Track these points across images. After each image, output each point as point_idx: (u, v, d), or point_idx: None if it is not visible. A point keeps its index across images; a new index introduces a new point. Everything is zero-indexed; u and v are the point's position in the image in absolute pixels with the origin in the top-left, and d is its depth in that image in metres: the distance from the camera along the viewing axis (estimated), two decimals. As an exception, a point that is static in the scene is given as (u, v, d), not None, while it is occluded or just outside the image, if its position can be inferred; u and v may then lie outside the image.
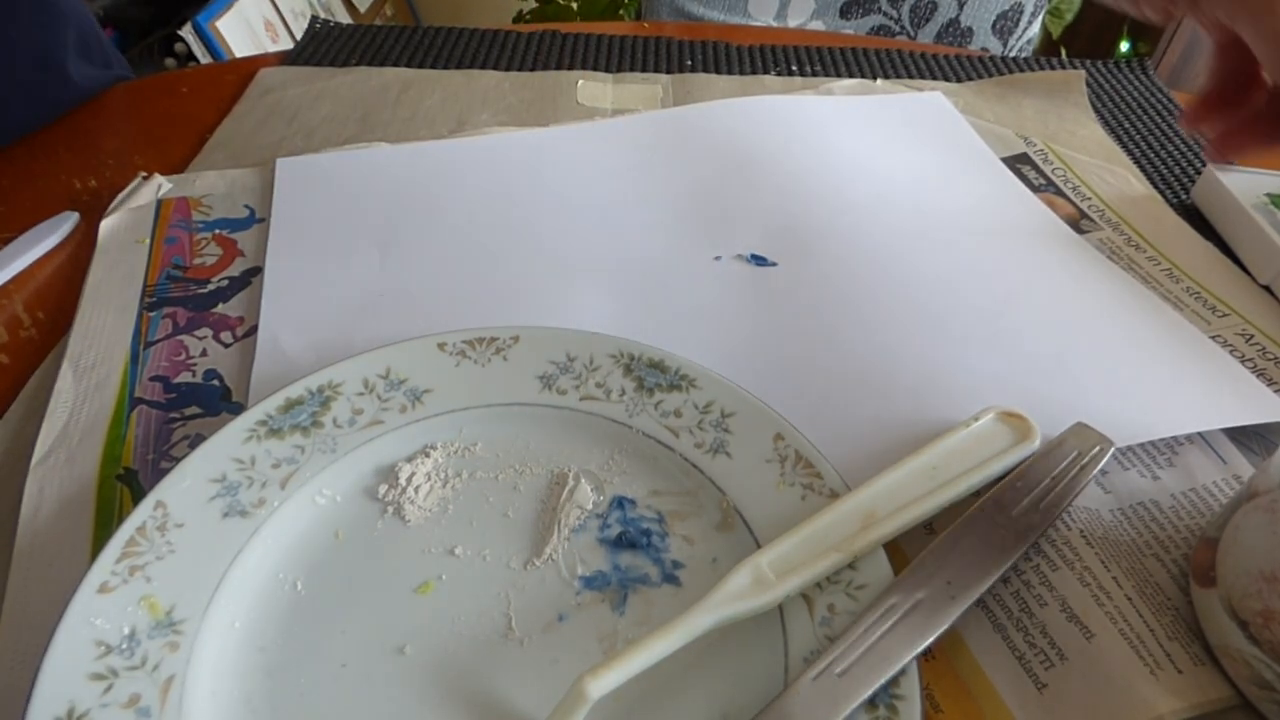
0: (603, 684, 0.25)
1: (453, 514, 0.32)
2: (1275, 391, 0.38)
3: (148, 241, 0.45)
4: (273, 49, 1.54)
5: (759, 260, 0.45)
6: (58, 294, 0.43)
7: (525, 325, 0.37)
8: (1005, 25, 0.87)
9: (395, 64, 0.62)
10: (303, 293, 0.42)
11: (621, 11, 1.52)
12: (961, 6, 0.84)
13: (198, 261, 0.44)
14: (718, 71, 0.63)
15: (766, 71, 0.64)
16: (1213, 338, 0.41)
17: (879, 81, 0.62)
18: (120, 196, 0.47)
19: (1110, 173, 0.54)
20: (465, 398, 0.35)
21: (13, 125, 0.53)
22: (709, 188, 0.50)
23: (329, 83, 0.60)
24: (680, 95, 0.60)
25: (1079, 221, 0.50)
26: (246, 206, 0.48)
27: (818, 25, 0.85)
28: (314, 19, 0.67)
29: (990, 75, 0.64)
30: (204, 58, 1.48)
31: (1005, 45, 0.88)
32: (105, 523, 0.32)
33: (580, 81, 0.61)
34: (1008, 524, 0.30)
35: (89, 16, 0.59)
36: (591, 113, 0.58)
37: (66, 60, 0.55)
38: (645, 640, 0.26)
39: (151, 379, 0.38)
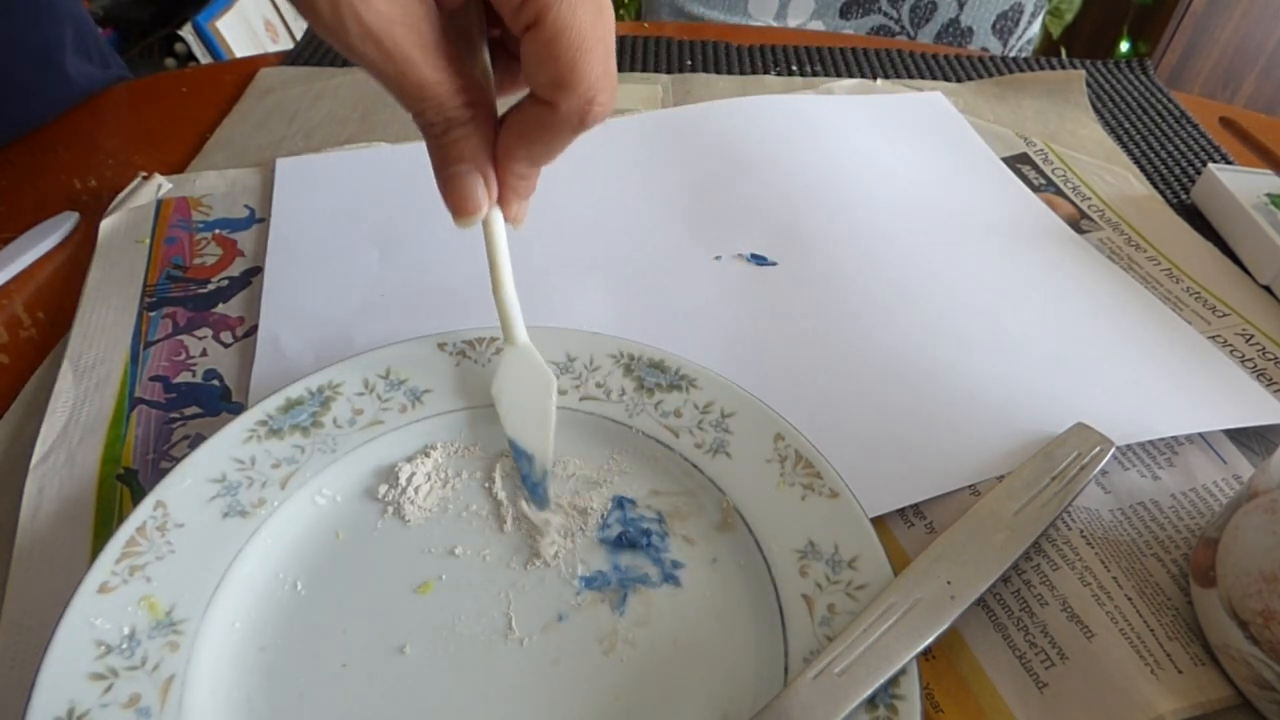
0: None
1: (453, 514, 0.32)
2: (1275, 393, 0.38)
3: (148, 241, 0.45)
4: (273, 49, 1.54)
5: (759, 260, 0.45)
6: (58, 294, 0.43)
7: (525, 325, 0.37)
8: (1005, 25, 0.87)
9: (395, 64, 0.62)
10: (303, 293, 0.42)
11: (621, 11, 1.52)
12: (961, 6, 0.84)
13: (198, 261, 0.44)
14: (718, 71, 0.63)
15: (766, 71, 0.64)
16: (1212, 338, 0.41)
17: (879, 81, 0.62)
18: (120, 196, 0.47)
19: (1110, 173, 0.54)
20: (465, 398, 0.35)
21: (12, 123, 0.53)
22: (709, 187, 0.50)
23: (329, 83, 0.59)
24: (680, 95, 0.60)
25: (1079, 221, 0.50)
26: (246, 206, 0.48)
27: (818, 25, 0.85)
28: (314, 19, 0.67)
29: (990, 75, 0.64)
30: (204, 58, 1.48)
31: (1005, 45, 0.88)
32: (105, 523, 0.32)
33: (580, 81, 0.61)
34: (1008, 524, 0.30)
35: (86, 16, 0.59)
36: (591, 113, 0.58)
37: (64, 58, 0.55)
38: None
39: (151, 379, 0.38)
